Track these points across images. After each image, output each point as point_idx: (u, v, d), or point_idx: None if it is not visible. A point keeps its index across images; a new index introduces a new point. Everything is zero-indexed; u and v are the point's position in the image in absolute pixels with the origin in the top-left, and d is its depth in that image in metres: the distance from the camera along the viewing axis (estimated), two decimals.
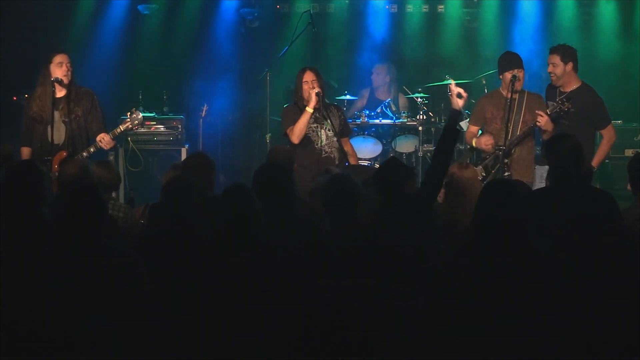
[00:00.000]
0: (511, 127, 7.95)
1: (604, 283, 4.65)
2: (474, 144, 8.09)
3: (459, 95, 5.84)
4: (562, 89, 8.10)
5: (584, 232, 5.26)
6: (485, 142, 7.99)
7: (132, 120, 8.23)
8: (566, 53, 8.06)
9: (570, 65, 8.04)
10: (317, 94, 7.90)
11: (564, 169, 5.81)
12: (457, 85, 5.87)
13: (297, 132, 7.93)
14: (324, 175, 6.36)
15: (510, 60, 8.11)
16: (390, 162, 5.99)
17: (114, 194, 7.30)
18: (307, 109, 7.91)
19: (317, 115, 8.02)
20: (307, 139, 8.00)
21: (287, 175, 5.56)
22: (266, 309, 4.56)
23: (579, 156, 5.89)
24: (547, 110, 7.84)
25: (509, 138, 7.88)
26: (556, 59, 8.06)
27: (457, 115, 5.75)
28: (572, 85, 8.09)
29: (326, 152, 8.06)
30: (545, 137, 7.96)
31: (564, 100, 7.83)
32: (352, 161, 8.16)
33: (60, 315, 4.40)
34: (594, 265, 4.77)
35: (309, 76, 8.03)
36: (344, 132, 8.27)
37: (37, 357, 4.37)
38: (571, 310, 4.47)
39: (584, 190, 5.77)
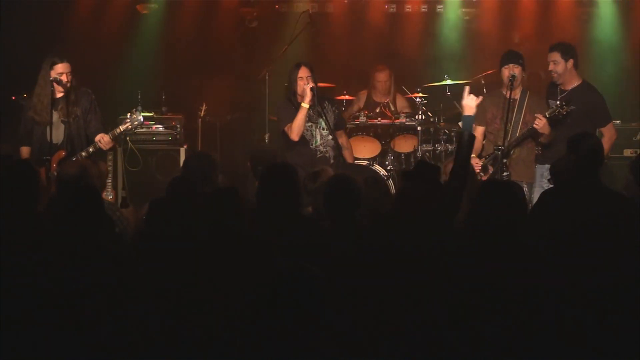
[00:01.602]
0: (511, 128, 7.95)
1: (608, 281, 4.64)
2: None
3: (471, 102, 5.86)
4: (562, 87, 8.10)
5: (592, 233, 5.23)
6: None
7: (131, 121, 8.23)
8: (567, 50, 8.05)
9: (571, 62, 8.04)
10: (311, 89, 7.88)
11: (581, 168, 5.84)
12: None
13: (296, 129, 7.92)
14: (312, 176, 6.36)
15: (506, 56, 8.12)
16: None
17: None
18: (303, 104, 7.88)
19: (312, 113, 8.01)
20: (302, 139, 7.99)
21: (293, 175, 5.58)
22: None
23: (597, 156, 5.88)
24: (546, 113, 7.83)
25: (508, 139, 7.88)
26: (557, 56, 8.04)
27: (472, 121, 5.77)
28: (573, 82, 8.09)
29: (321, 152, 8.06)
30: (542, 139, 7.97)
31: (563, 104, 7.83)
32: (347, 155, 8.15)
33: (55, 315, 4.41)
34: (601, 268, 4.76)
35: (304, 72, 8.00)
36: (339, 124, 8.25)
37: (32, 356, 4.38)
38: (570, 313, 4.48)
39: (600, 192, 5.76)
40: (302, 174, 7.51)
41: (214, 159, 6.71)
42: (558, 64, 8.04)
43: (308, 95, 7.86)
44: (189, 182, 5.68)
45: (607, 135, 8.12)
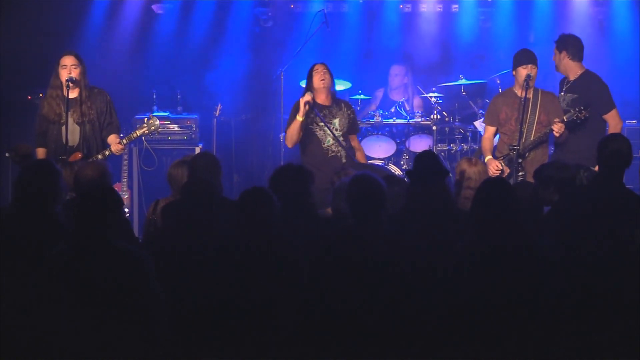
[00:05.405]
0: (526, 128, 7.94)
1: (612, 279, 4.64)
2: (486, 161, 8.06)
3: None
4: (568, 79, 8.32)
5: (605, 231, 5.23)
6: (494, 169, 7.94)
7: (148, 126, 8.21)
8: (561, 42, 8.34)
9: (564, 54, 8.27)
10: (306, 103, 7.96)
11: (604, 169, 5.96)
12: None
13: (288, 137, 8.15)
14: (344, 176, 6.42)
15: (522, 56, 8.12)
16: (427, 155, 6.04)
17: None
18: (298, 117, 8.01)
19: (326, 113, 8.10)
20: (315, 139, 8.11)
21: (303, 177, 5.66)
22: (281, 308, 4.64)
23: (620, 159, 5.93)
24: (564, 117, 7.84)
25: (523, 140, 7.87)
26: (555, 47, 8.33)
27: None
28: (576, 72, 8.29)
29: (333, 152, 8.12)
30: (559, 140, 7.99)
31: (582, 108, 7.85)
32: (359, 156, 8.23)
33: (71, 314, 4.43)
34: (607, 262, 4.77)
35: (319, 67, 8.16)
36: (352, 129, 8.30)
37: (45, 356, 4.40)
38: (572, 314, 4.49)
39: (619, 194, 5.80)
40: (315, 173, 7.62)
41: (218, 159, 6.64)
42: (555, 55, 8.36)
43: (302, 110, 7.98)
44: (208, 184, 5.68)
45: (612, 123, 8.18)
